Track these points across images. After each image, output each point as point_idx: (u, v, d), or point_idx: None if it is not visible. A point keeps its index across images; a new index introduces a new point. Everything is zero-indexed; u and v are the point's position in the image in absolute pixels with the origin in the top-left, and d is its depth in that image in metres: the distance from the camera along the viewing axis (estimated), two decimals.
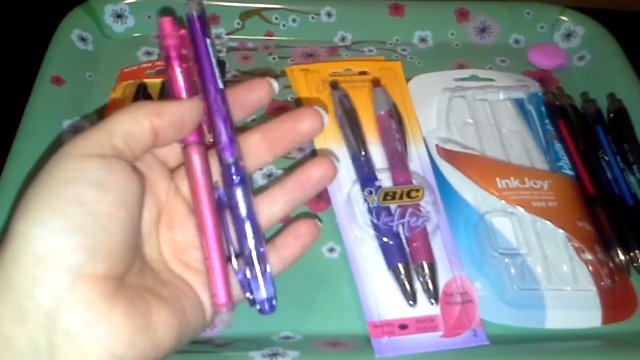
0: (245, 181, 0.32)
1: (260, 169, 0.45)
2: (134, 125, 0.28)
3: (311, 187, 0.35)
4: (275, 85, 0.35)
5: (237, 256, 0.32)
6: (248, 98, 0.34)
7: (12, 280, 0.24)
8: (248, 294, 0.32)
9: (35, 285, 0.24)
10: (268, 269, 0.32)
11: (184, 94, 0.32)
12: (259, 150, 0.34)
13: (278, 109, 0.50)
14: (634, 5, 0.64)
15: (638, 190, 0.46)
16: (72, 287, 0.24)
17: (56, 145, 0.45)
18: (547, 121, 0.48)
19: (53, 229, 0.25)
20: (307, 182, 0.34)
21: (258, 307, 0.32)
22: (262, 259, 0.32)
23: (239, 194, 0.32)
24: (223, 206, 0.32)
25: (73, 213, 0.25)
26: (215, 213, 0.31)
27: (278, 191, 0.34)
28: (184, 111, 0.30)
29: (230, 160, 0.32)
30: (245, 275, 0.32)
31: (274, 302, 0.32)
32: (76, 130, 0.46)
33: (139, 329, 0.26)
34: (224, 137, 0.32)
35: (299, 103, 0.48)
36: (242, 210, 0.32)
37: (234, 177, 0.32)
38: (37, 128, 0.45)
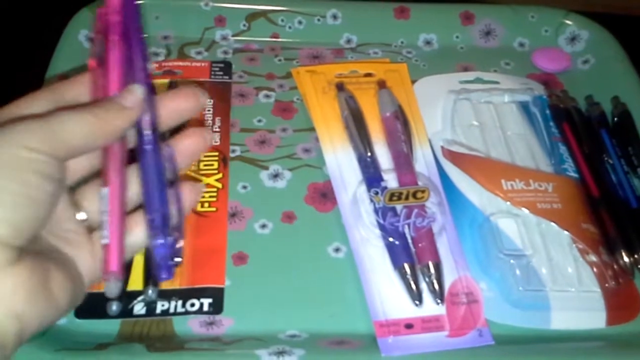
0: (157, 145, 0.31)
1: None
2: (88, 142, 0.29)
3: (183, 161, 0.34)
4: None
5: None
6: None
7: None
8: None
9: None
10: (170, 234, 0.31)
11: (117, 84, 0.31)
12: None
13: (284, 110, 0.50)
14: (637, 10, 0.64)
15: None
16: None
17: None
18: (551, 124, 0.48)
19: None
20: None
21: (154, 275, 0.31)
22: (165, 224, 0.31)
23: (150, 155, 0.31)
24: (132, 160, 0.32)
25: (13, 191, 0.26)
26: (122, 175, 0.30)
27: None
28: (128, 124, 0.30)
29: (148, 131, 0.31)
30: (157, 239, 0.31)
31: (172, 269, 0.31)
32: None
33: (40, 289, 0.27)
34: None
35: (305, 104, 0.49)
36: (150, 173, 0.31)
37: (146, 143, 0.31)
38: None
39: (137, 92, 0.31)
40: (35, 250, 0.28)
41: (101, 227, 0.30)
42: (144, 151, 0.31)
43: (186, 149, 0.34)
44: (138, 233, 0.32)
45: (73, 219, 0.32)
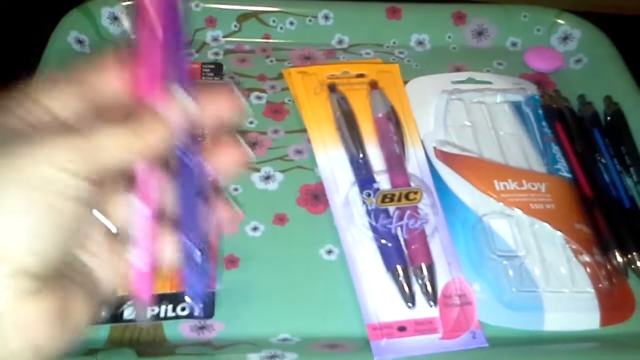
0: (196, 173, 0.29)
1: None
2: (124, 160, 0.27)
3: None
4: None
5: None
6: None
7: None
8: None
9: None
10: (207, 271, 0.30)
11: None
12: None
13: (276, 111, 0.50)
14: (630, 9, 0.64)
15: (635, 193, 0.46)
16: (7, 277, 0.24)
17: None
18: (544, 124, 0.48)
19: (14, 225, 0.24)
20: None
21: (190, 308, 0.31)
22: (205, 260, 0.30)
23: (189, 182, 0.29)
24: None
25: (38, 215, 0.25)
26: (153, 196, 0.28)
27: None
28: (171, 139, 0.28)
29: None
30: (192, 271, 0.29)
31: (210, 307, 0.31)
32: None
33: (61, 317, 0.26)
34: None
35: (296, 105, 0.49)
36: (189, 202, 0.29)
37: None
38: None
39: (182, 102, 0.28)
40: (58, 272, 0.27)
41: (130, 241, 0.29)
42: (180, 163, 0.29)
43: (222, 164, 0.31)
44: (167, 252, 0.30)
45: (97, 226, 0.30)
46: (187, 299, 0.30)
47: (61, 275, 0.27)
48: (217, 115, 0.30)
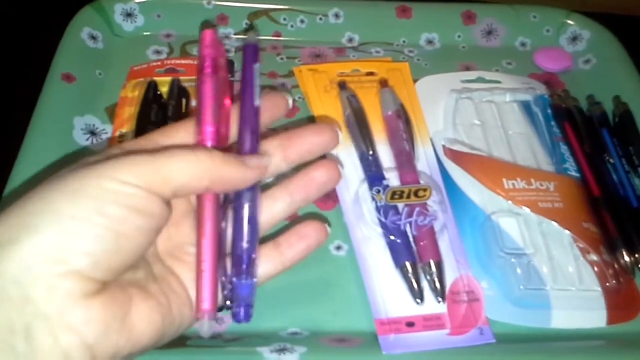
0: (255, 188, 0.33)
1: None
2: (192, 182, 0.28)
3: (314, 190, 0.35)
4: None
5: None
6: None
7: (3, 265, 0.24)
8: (227, 298, 0.31)
9: (25, 272, 0.24)
10: (254, 277, 0.32)
11: (211, 109, 0.32)
12: (274, 156, 0.34)
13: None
14: (638, 11, 0.65)
15: None
16: (59, 278, 0.25)
17: (69, 145, 0.45)
18: (553, 123, 0.49)
19: (70, 231, 0.25)
20: (311, 184, 0.35)
21: (234, 312, 0.31)
22: (252, 266, 0.32)
23: (246, 197, 0.32)
24: (228, 203, 0.32)
25: (95, 223, 0.26)
26: (217, 216, 0.31)
27: (280, 191, 0.34)
28: (243, 181, 0.31)
29: None
30: (229, 278, 0.31)
31: (251, 310, 0.31)
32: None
33: (114, 321, 0.26)
34: (247, 145, 0.33)
35: (308, 103, 0.49)
36: (245, 213, 0.32)
37: None
38: (48, 125, 0.46)
39: (263, 159, 0.32)
40: (128, 280, 0.28)
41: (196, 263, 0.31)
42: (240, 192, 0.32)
43: (317, 179, 0.34)
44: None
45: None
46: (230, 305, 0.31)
47: (128, 282, 0.28)
48: (309, 144, 0.34)
